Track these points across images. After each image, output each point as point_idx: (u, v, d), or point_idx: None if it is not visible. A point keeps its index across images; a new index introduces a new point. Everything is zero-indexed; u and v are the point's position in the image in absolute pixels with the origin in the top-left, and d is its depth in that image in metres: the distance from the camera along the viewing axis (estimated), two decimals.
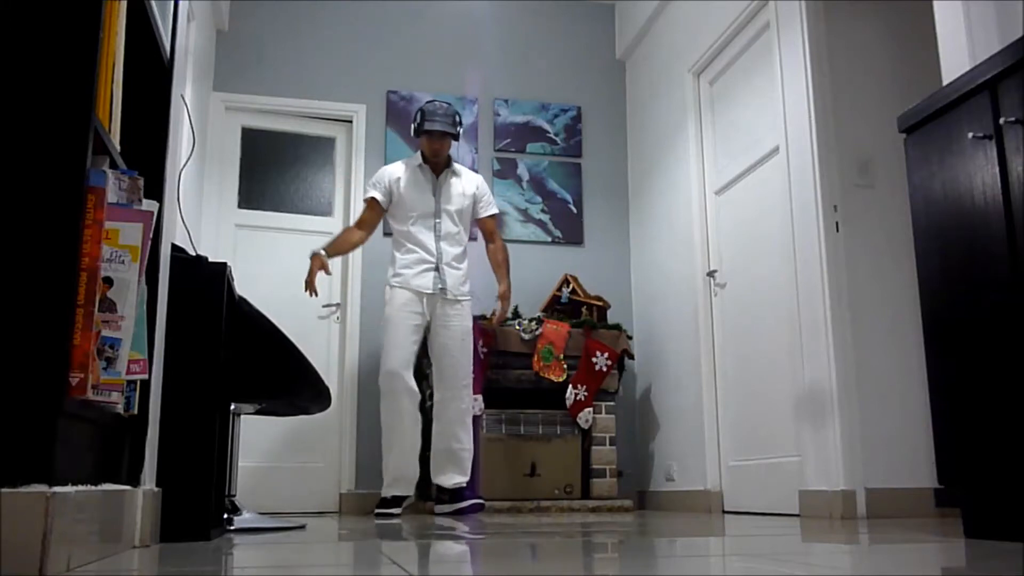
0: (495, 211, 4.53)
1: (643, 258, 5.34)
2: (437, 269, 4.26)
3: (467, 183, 4.42)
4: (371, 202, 4.36)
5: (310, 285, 4.16)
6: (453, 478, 4.16)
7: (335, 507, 4.88)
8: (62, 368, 1.29)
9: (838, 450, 3.28)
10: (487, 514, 4.20)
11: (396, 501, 4.18)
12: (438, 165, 4.38)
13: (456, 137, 4.38)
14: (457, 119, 4.39)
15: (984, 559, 1.58)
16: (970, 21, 2.40)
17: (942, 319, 2.15)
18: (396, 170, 4.39)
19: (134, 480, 1.88)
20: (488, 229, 4.50)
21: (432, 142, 4.30)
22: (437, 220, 4.31)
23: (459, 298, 4.29)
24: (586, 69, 5.74)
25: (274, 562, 1.71)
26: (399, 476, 4.17)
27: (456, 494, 4.15)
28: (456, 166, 4.45)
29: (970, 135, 2.03)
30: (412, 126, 4.39)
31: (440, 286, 4.24)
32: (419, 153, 4.41)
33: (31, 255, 1.30)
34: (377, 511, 4.16)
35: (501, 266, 4.46)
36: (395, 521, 3.65)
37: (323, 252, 4.21)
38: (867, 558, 1.71)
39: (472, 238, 5.29)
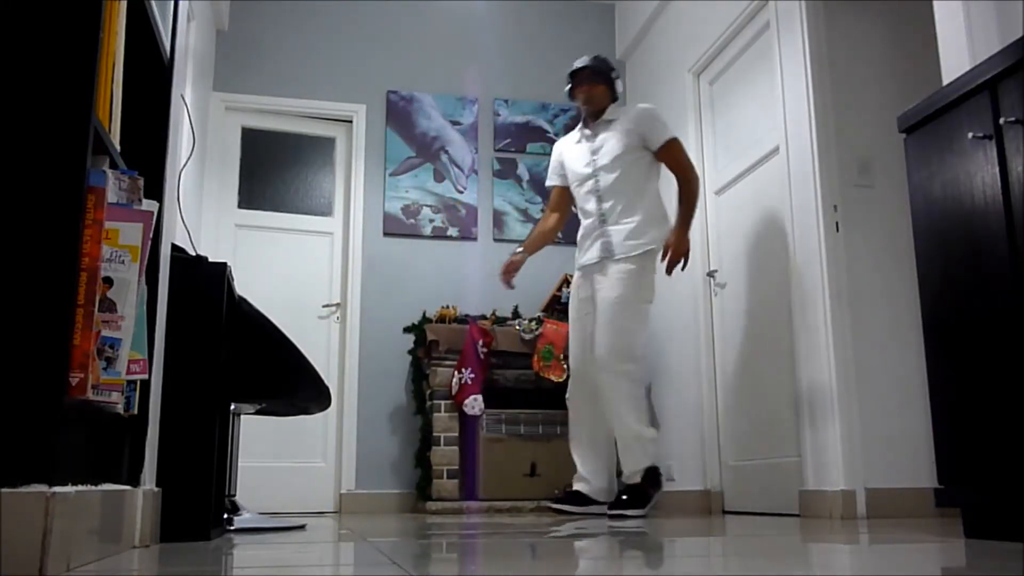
0: (668, 136, 3.84)
1: None
2: (603, 233, 3.84)
3: (624, 121, 3.89)
4: (550, 191, 4.22)
5: (505, 279, 4.05)
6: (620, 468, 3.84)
7: (335, 507, 4.88)
8: (62, 368, 1.29)
9: (838, 450, 3.27)
10: (487, 514, 4.21)
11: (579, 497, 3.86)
12: (594, 120, 3.97)
13: (606, 78, 3.94)
14: (609, 63, 4.00)
15: (984, 559, 1.58)
16: (970, 21, 2.40)
17: (942, 319, 2.15)
18: (563, 143, 4.13)
19: (134, 480, 1.88)
20: (668, 162, 3.85)
21: (577, 88, 3.95)
22: (595, 179, 3.89)
23: (628, 254, 3.75)
24: None
25: (274, 562, 1.71)
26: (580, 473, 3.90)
27: (622, 493, 3.71)
28: (615, 109, 3.98)
29: (970, 135, 2.03)
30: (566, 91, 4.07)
31: (604, 253, 3.82)
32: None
33: (31, 255, 1.30)
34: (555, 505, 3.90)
35: (682, 203, 3.80)
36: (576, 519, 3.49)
37: (521, 250, 4.11)
38: (867, 558, 1.71)
39: (471, 238, 5.32)
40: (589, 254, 3.87)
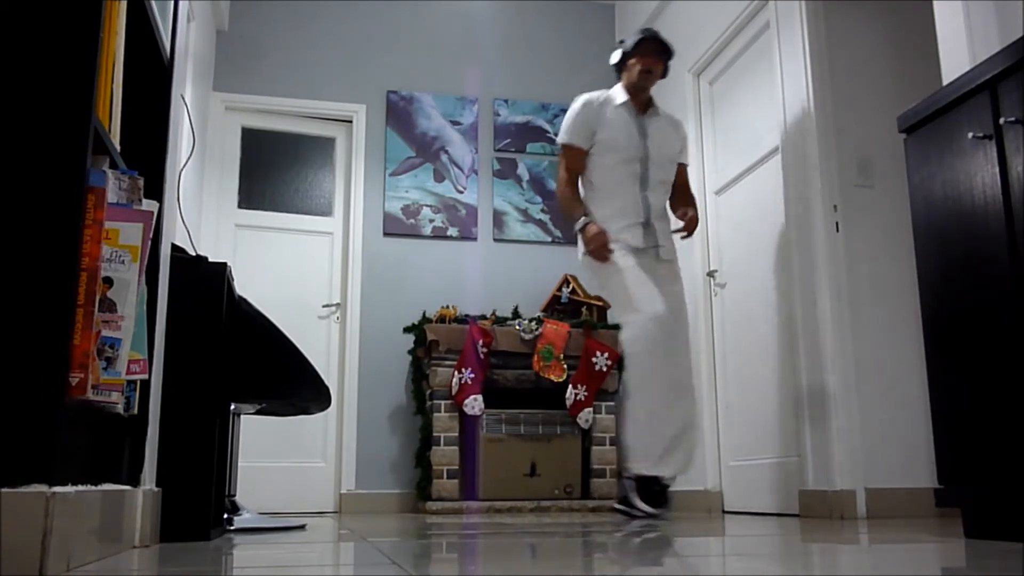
0: (688, 159, 3.91)
1: None
2: (646, 224, 3.58)
3: (670, 123, 3.79)
4: (571, 152, 3.67)
5: (601, 254, 3.49)
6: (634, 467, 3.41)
7: (335, 507, 4.88)
8: (62, 368, 1.29)
9: (838, 450, 3.28)
10: (487, 514, 4.21)
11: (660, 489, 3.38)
12: (643, 100, 3.71)
13: (667, 68, 3.73)
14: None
15: (984, 559, 1.58)
16: (970, 21, 2.40)
17: (942, 319, 2.15)
18: (598, 105, 3.67)
19: (134, 480, 1.88)
20: (682, 180, 3.83)
21: (646, 57, 3.63)
22: (643, 164, 3.61)
23: (672, 259, 3.67)
24: (586, 69, 5.73)
25: (274, 562, 1.71)
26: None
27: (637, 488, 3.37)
28: (658, 105, 3.80)
29: (970, 135, 2.03)
30: (617, 54, 3.74)
31: (653, 244, 3.57)
32: (618, 88, 3.73)
33: (31, 255, 1.30)
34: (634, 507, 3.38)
35: (691, 201, 3.81)
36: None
37: (589, 219, 3.56)
38: (867, 558, 1.71)
39: (471, 238, 5.32)
40: (633, 233, 3.54)
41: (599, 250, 3.48)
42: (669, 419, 3.36)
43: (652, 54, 3.65)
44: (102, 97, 1.51)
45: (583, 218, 3.56)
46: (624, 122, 3.66)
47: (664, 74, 3.73)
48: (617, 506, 3.57)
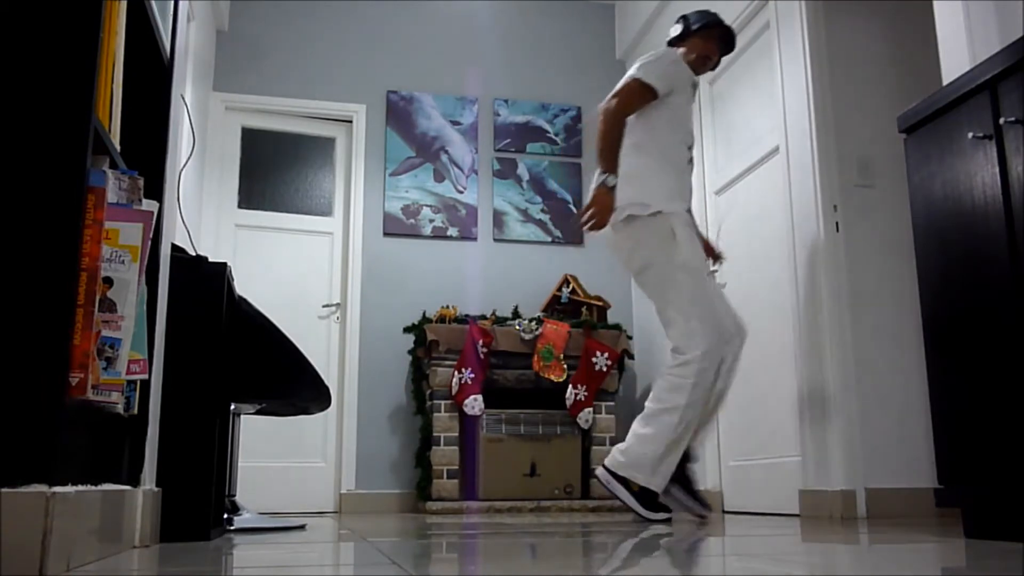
0: None
1: None
2: (688, 211, 3.30)
3: None
4: (643, 91, 3.21)
5: (602, 220, 3.13)
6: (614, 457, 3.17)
7: (335, 507, 4.89)
8: (62, 368, 1.29)
9: (838, 450, 3.28)
10: (487, 514, 4.21)
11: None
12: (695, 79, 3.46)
13: (718, 64, 3.55)
14: None
15: (984, 559, 1.58)
16: (970, 21, 2.40)
17: (942, 319, 2.15)
18: (681, 62, 3.35)
19: (134, 480, 1.88)
20: None
21: (709, 44, 3.41)
22: (692, 151, 3.38)
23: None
24: (586, 69, 5.74)
25: (274, 562, 1.71)
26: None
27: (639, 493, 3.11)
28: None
29: (970, 135, 2.03)
30: (678, 28, 3.46)
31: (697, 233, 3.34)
32: (679, 55, 3.39)
33: (31, 255, 1.30)
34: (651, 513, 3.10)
35: None
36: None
37: (612, 180, 3.14)
38: (867, 558, 1.71)
39: (471, 238, 5.32)
40: (691, 220, 3.28)
41: (602, 214, 3.10)
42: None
43: (719, 43, 3.44)
44: (102, 97, 1.51)
45: (612, 177, 3.12)
46: (688, 100, 3.37)
47: (714, 67, 3.54)
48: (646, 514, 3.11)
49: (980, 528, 2.00)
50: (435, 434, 4.54)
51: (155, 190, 1.94)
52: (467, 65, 5.56)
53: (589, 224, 3.15)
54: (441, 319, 4.73)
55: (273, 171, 5.31)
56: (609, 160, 3.14)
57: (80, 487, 1.40)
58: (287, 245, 5.14)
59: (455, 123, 5.46)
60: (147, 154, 1.97)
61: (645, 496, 3.09)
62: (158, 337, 2.01)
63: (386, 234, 5.22)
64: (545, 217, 5.46)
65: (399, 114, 5.38)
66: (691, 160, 3.36)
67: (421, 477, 4.61)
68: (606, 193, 3.11)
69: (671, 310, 3.18)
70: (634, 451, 3.11)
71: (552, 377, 4.66)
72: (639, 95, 3.23)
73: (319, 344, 4.95)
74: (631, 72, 3.28)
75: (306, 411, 3.54)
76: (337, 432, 4.94)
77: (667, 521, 3.04)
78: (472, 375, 4.55)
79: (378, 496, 4.87)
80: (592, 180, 3.25)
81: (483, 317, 4.77)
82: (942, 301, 2.15)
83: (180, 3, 2.22)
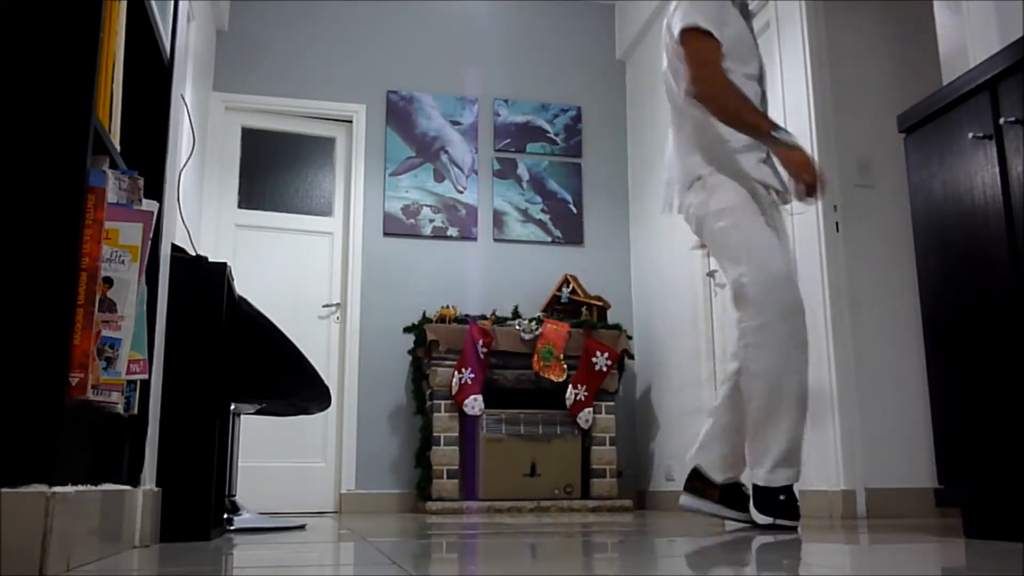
0: None
1: (643, 258, 5.33)
2: (767, 160, 2.70)
3: None
4: (710, 41, 2.63)
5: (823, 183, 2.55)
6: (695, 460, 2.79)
7: (335, 507, 4.88)
8: (62, 368, 1.29)
9: (838, 450, 3.28)
10: (487, 514, 4.21)
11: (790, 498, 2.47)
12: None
13: None
14: None
15: (984, 559, 1.58)
16: (970, 21, 2.40)
17: (942, 319, 2.15)
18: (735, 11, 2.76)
19: (134, 480, 1.88)
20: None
21: None
22: (763, 86, 2.80)
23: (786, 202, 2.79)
24: (586, 69, 5.74)
25: (274, 562, 1.71)
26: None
27: (726, 493, 2.67)
28: None
29: (970, 135, 2.03)
30: None
31: (782, 183, 2.69)
32: None
33: (31, 255, 1.30)
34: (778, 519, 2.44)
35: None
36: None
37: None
38: (867, 558, 1.71)
39: (471, 238, 5.32)
40: (764, 173, 2.68)
41: (822, 179, 2.54)
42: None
43: None
44: (102, 97, 1.51)
45: (784, 131, 2.60)
46: (742, 25, 2.76)
47: None
48: (763, 520, 2.47)
49: (980, 528, 2.00)
50: (435, 434, 4.54)
51: (155, 190, 1.94)
52: (467, 65, 5.55)
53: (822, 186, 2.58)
54: (441, 319, 4.73)
55: (273, 171, 5.31)
56: (762, 119, 2.62)
57: (80, 487, 1.40)
58: (287, 245, 5.14)
59: (455, 123, 5.46)
60: (147, 154, 1.97)
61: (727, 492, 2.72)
62: (158, 337, 2.01)
63: (386, 234, 5.22)
64: (545, 217, 5.46)
65: (399, 114, 5.37)
66: (761, 90, 2.78)
67: (421, 477, 4.61)
68: (800, 149, 2.57)
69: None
70: None
71: (552, 377, 4.66)
72: (709, 46, 2.64)
73: (319, 344, 4.95)
74: (676, 33, 2.69)
75: (306, 411, 3.54)
76: (337, 432, 4.94)
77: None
78: (472, 375, 4.55)
79: (378, 496, 4.87)
80: (751, 158, 2.67)
81: (483, 317, 4.77)
82: (942, 301, 2.15)
83: (180, 3, 2.22)
